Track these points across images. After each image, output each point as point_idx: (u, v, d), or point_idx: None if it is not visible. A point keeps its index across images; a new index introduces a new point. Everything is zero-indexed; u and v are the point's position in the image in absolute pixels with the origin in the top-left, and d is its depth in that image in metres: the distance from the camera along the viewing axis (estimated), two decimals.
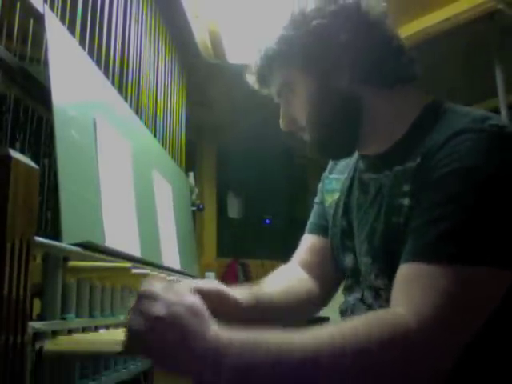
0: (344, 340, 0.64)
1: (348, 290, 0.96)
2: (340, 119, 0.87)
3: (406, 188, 0.79)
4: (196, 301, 0.65)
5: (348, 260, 0.95)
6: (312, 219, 1.09)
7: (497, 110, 2.33)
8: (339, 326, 0.68)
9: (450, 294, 0.67)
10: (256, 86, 0.97)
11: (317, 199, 1.10)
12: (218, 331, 0.63)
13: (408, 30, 2.30)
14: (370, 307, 0.87)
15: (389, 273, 0.78)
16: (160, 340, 0.61)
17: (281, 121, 0.93)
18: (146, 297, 0.65)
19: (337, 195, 1.00)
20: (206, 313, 0.65)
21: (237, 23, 2.47)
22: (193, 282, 0.76)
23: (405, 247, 0.74)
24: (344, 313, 0.95)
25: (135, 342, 0.63)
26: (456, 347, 0.69)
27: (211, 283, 0.79)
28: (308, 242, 1.08)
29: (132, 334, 0.63)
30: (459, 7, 2.25)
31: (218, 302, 0.76)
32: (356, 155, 0.99)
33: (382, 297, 0.84)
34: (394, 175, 0.83)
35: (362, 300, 0.90)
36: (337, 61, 0.84)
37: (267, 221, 4.15)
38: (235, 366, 0.61)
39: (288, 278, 1.02)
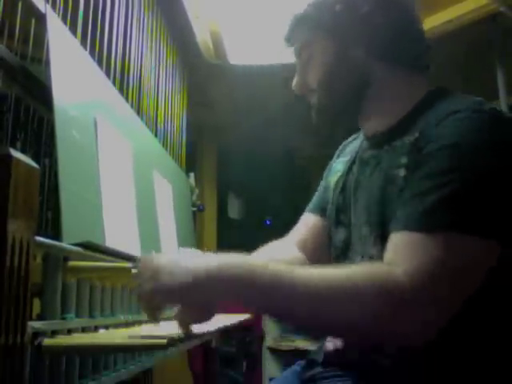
0: (343, 284, 0.70)
1: (338, 260, 0.97)
2: (348, 88, 0.92)
3: (403, 160, 0.82)
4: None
5: (341, 232, 0.98)
6: (313, 199, 1.12)
7: None
8: (336, 271, 0.73)
9: (440, 259, 0.70)
10: (283, 44, 1.01)
11: (321, 183, 1.13)
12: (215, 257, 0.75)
13: None
14: None
15: (383, 240, 0.81)
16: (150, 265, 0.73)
17: (294, 81, 0.99)
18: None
19: (339, 175, 1.04)
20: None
21: (238, 24, 2.48)
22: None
23: (396, 216, 0.78)
24: None
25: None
26: (444, 312, 0.71)
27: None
28: (306, 221, 1.12)
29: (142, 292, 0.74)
30: (462, 9, 2.25)
31: None
32: (361, 138, 1.03)
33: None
34: (393, 149, 0.86)
35: None
36: (358, 32, 0.89)
37: (268, 222, 4.15)
38: (236, 282, 0.72)
39: (279, 253, 1.06)
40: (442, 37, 2.35)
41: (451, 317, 0.71)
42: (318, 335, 0.87)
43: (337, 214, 0.99)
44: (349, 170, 1.00)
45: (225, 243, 3.77)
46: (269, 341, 3.17)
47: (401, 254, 0.73)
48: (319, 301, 0.70)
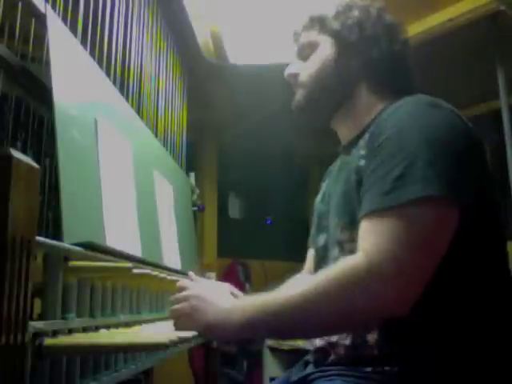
0: (307, 287, 0.80)
1: (320, 262, 1.04)
2: (333, 90, 1.02)
3: (362, 152, 0.90)
4: (216, 285, 0.98)
5: (321, 238, 1.05)
6: (311, 233, 1.18)
7: (498, 112, 2.33)
8: (307, 279, 0.87)
9: (394, 234, 0.77)
10: (290, 38, 1.11)
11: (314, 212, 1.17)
12: (230, 301, 0.89)
13: (410, 31, 2.29)
14: (335, 260, 0.95)
15: (350, 225, 0.91)
16: (188, 307, 0.89)
17: (288, 68, 1.09)
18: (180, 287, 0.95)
19: (323, 189, 1.12)
20: (224, 291, 0.94)
21: (238, 23, 2.48)
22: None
23: (361, 206, 0.85)
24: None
25: (174, 315, 0.90)
26: (412, 279, 0.76)
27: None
28: (309, 255, 1.20)
29: (172, 312, 0.91)
30: (462, 8, 2.25)
31: None
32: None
33: (345, 249, 0.93)
34: (357, 148, 0.95)
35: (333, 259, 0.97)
36: (360, 48, 0.99)
37: (268, 221, 4.15)
38: (240, 318, 0.84)
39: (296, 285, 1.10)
40: (442, 36, 2.35)
41: (423, 284, 0.76)
42: (316, 337, 0.97)
43: (318, 222, 1.08)
44: (329, 181, 1.09)
45: (225, 243, 3.77)
46: (269, 340, 3.17)
47: (364, 239, 0.81)
48: (299, 312, 0.80)
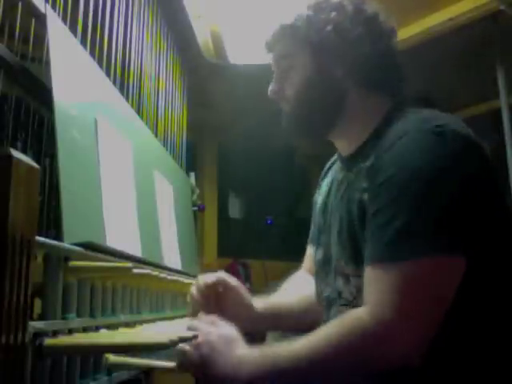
0: (316, 347, 0.78)
1: (317, 277, 1.04)
2: (322, 104, 0.95)
3: (365, 184, 0.86)
4: (228, 331, 0.88)
5: (319, 254, 1.03)
6: (311, 230, 1.17)
7: (498, 112, 2.33)
8: (314, 335, 0.81)
9: (398, 287, 0.75)
10: (263, 48, 1.03)
11: (313, 211, 1.17)
12: (241, 352, 0.84)
13: (411, 30, 2.29)
14: (340, 294, 0.93)
15: (355, 259, 0.87)
16: (200, 360, 0.83)
17: (270, 87, 1.01)
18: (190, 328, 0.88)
19: (322, 198, 1.09)
20: (236, 338, 0.86)
21: (239, 23, 2.47)
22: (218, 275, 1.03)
23: (366, 249, 0.82)
24: (318, 295, 1.04)
25: (184, 364, 0.84)
26: (417, 337, 0.75)
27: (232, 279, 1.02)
28: (308, 252, 1.19)
29: (182, 358, 0.84)
30: (462, 8, 2.24)
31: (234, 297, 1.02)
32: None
33: (350, 282, 0.90)
34: (356, 173, 0.91)
35: (334, 288, 0.95)
36: (342, 55, 0.92)
37: (269, 221, 4.14)
38: (248, 374, 0.80)
39: (299, 287, 1.14)
40: (443, 35, 2.35)
41: (430, 339, 0.75)
42: None
43: (318, 236, 1.05)
44: (329, 191, 1.05)
45: (225, 243, 3.77)
46: (270, 341, 3.17)
47: (368, 290, 0.80)
48: (309, 370, 0.78)
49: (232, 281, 1.03)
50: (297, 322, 1.08)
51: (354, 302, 0.87)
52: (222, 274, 1.03)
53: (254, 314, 1.04)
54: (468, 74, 2.67)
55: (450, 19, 2.28)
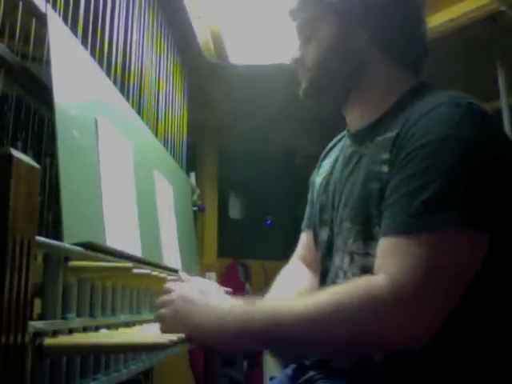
0: (322, 305, 0.73)
1: (324, 258, 0.98)
2: (342, 71, 0.92)
3: (385, 156, 0.81)
4: (203, 282, 0.88)
5: (323, 234, 0.98)
6: (305, 215, 1.13)
7: (499, 112, 2.33)
8: (320, 293, 0.76)
9: (422, 258, 0.70)
10: (287, 17, 1.00)
11: (309, 195, 1.13)
12: (220, 303, 0.80)
13: None
14: (345, 274, 0.89)
15: (365, 236, 0.83)
16: (173, 310, 0.81)
17: (292, 53, 0.98)
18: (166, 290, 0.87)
19: (323, 175, 1.04)
20: (212, 289, 0.85)
21: (239, 23, 2.48)
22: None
23: (383, 219, 0.78)
24: (330, 281, 0.96)
25: (160, 320, 0.83)
26: (436, 311, 0.71)
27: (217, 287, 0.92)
28: (303, 238, 1.14)
29: (158, 316, 0.83)
30: (463, 8, 2.25)
31: None
32: (345, 137, 1.03)
33: (356, 262, 0.86)
34: (375, 145, 0.86)
35: (341, 267, 0.91)
36: (366, 19, 0.89)
37: (268, 221, 4.14)
38: (238, 323, 0.76)
39: (294, 281, 1.08)
40: (443, 36, 2.35)
41: (447, 317, 0.71)
42: (325, 358, 0.89)
43: (320, 214, 1.00)
44: (333, 167, 1.01)
45: (225, 243, 3.77)
46: None
47: (387, 260, 0.74)
48: (311, 326, 0.73)
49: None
50: None
51: None
52: (184, 277, 0.97)
53: None
54: (468, 74, 2.67)
55: (451, 20, 2.28)
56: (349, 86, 0.93)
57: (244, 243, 3.94)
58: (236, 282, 3.55)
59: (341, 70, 0.92)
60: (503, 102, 2.29)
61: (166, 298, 0.84)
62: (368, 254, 0.80)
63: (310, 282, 1.08)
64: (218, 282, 0.95)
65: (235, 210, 4.09)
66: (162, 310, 0.83)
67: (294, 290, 1.04)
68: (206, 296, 0.82)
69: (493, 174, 0.74)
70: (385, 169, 0.81)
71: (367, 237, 0.82)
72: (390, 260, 0.73)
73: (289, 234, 3.97)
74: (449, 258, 0.71)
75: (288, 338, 0.75)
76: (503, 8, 2.14)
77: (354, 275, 0.85)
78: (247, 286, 3.58)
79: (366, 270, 0.79)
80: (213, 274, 3.07)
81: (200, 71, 2.66)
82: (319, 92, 0.96)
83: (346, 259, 0.88)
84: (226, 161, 3.85)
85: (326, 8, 0.92)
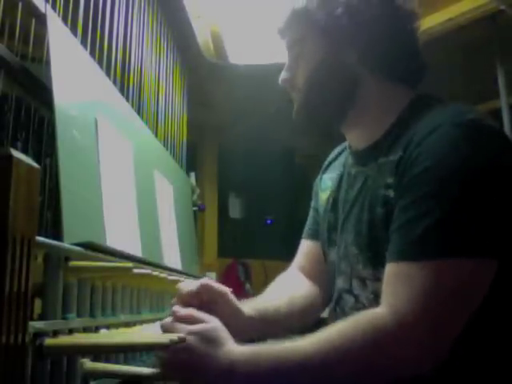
0: (329, 346, 0.71)
1: (333, 279, 0.97)
2: (334, 91, 0.90)
3: (390, 180, 0.81)
4: (209, 326, 0.77)
5: (332, 254, 0.97)
6: (307, 224, 1.12)
7: (498, 112, 2.33)
8: (326, 333, 0.73)
9: (427, 289, 0.70)
10: (276, 34, 0.98)
11: (312, 203, 1.12)
12: (229, 350, 0.74)
13: None
14: (356, 298, 0.88)
15: (374, 262, 0.82)
16: (180, 367, 0.73)
17: (281, 74, 0.96)
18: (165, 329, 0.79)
19: (329, 192, 1.02)
20: (220, 333, 0.76)
21: (238, 23, 2.48)
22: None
23: (389, 245, 0.77)
24: (334, 302, 0.96)
25: (164, 373, 0.74)
26: (441, 341, 0.70)
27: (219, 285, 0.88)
28: (304, 247, 1.12)
29: (161, 367, 0.74)
30: (462, 8, 2.25)
31: (222, 304, 0.87)
32: (347, 152, 1.02)
33: (368, 287, 0.86)
34: (379, 167, 0.85)
35: (349, 291, 0.91)
36: (354, 38, 0.87)
37: (269, 221, 4.14)
38: (244, 375, 0.72)
39: (289, 288, 1.05)
40: (442, 35, 2.35)
41: (452, 343, 0.70)
42: None
43: (329, 234, 0.99)
44: (338, 186, 0.99)
45: (225, 243, 3.77)
46: (270, 341, 3.17)
47: (389, 289, 0.74)
48: (320, 371, 0.71)
49: (217, 286, 0.89)
50: (285, 327, 0.99)
51: (370, 308, 0.80)
52: (206, 281, 0.89)
53: (243, 320, 0.90)
54: (468, 74, 2.67)
55: (450, 19, 2.29)
56: (344, 106, 0.91)
57: (244, 243, 3.94)
58: (236, 281, 3.56)
59: (332, 90, 0.90)
60: (503, 102, 2.29)
61: (169, 350, 0.73)
62: (379, 279, 0.79)
63: (306, 292, 1.06)
64: (219, 282, 0.93)
65: (235, 210, 4.09)
66: (166, 359, 0.74)
67: (287, 298, 1.01)
68: (212, 348, 0.74)
69: (498, 194, 0.73)
70: (390, 193, 0.80)
71: (376, 262, 0.81)
72: (392, 289, 0.74)
73: (289, 233, 3.97)
74: (449, 285, 0.70)
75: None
76: (503, 7, 2.14)
77: (367, 299, 0.85)
78: (247, 286, 3.58)
79: (378, 294, 0.78)
80: (213, 274, 3.07)
81: (200, 71, 2.66)
82: (311, 111, 0.93)
83: (355, 283, 0.88)
84: (225, 160, 3.85)
85: (313, 27, 0.90)
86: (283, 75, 0.96)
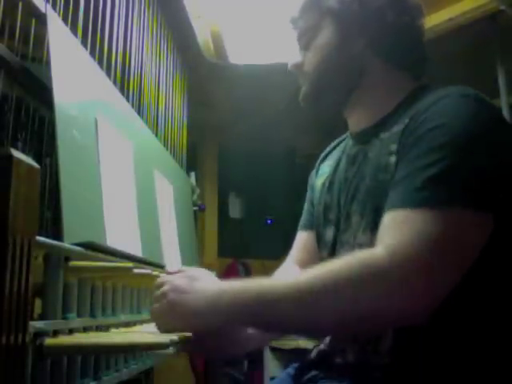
0: (318, 277, 0.72)
1: (330, 258, 0.95)
2: (341, 77, 0.94)
3: (393, 148, 0.82)
4: (193, 271, 0.84)
5: (329, 233, 0.97)
6: (303, 216, 1.12)
7: None
8: (318, 268, 0.74)
9: (425, 233, 0.69)
10: (289, 21, 1.01)
11: (307, 196, 1.13)
12: (216, 280, 0.82)
13: None
14: None
15: (373, 227, 0.82)
16: (167, 302, 0.79)
17: (291, 59, 1.00)
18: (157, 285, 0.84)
19: (325, 177, 1.04)
20: (202, 275, 0.83)
21: (239, 23, 2.48)
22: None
23: (389, 196, 0.77)
24: None
25: (154, 315, 0.81)
26: (436, 283, 0.69)
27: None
28: (300, 239, 1.12)
29: (152, 312, 0.82)
30: (462, 8, 2.25)
31: None
32: (346, 140, 1.03)
33: None
34: (381, 140, 0.87)
35: None
36: (364, 25, 0.91)
37: (269, 221, 4.14)
38: (229, 304, 0.76)
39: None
40: (442, 35, 2.35)
41: (448, 291, 0.69)
42: (316, 336, 0.87)
43: (324, 213, 0.99)
44: (335, 168, 1.00)
45: (226, 243, 3.77)
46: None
47: (387, 233, 0.73)
48: (309, 299, 0.71)
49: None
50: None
51: None
52: (183, 268, 0.91)
53: None
54: (468, 74, 2.67)
55: (450, 19, 2.29)
56: (349, 87, 0.94)
57: (244, 243, 3.94)
58: None
59: (340, 75, 0.94)
60: (503, 102, 2.29)
61: (157, 293, 0.82)
62: (374, 244, 0.78)
63: None
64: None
65: (235, 210, 4.09)
66: (156, 305, 0.81)
67: None
68: (197, 282, 0.81)
69: (499, 157, 0.75)
70: (393, 159, 0.81)
71: (375, 227, 0.79)
72: (391, 232, 0.72)
73: (289, 233, 3.96)
74: (448, 233, 0.69)
75: (277, 310, 0.74)
76: (503, 7, 2.14)
77: None
78: None
79: None
80: (213, 274, 3.07)
81: (200, 71, 2.66)
82: (318, 96, 0.97)
83: (356, 251, 0.87)
84: (226, 160, 3.85)
85: (325, 15, 0.94)
86: (293, 60, 0.99)
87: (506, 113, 2.28)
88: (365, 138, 0.93)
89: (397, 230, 0.72)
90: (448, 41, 2.38)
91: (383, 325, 0.74)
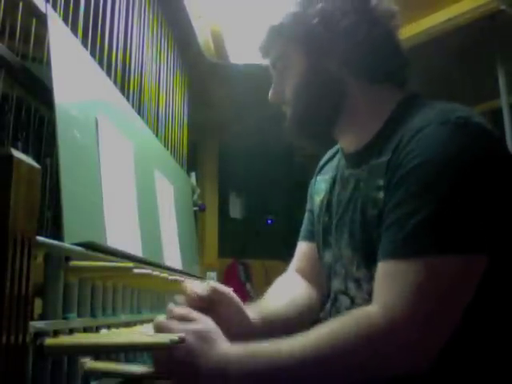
0: (324, 346, 0.71)
1: (329, 281, 0.98)
2: (322, 100, 0.92)
3: (380, 182, 0.81)
4: (204, 326, 0.75)
5: (328, 256, 0.98)
6: (303, 226, 1.13)
7: (498, 112, 2.33)
8: (317, 332, 0.73)
9: (418, 285, 0.70)
10: (258, 54, 1.01)
11: (307, 205, 1.13)
12: (224, 352, 0.72)
13: (410, 31, 2.30)
14: (352, 299, 0.89)
15: (368, 263, 0.82)
16: (176, 366, 0.71)
17: (270, 91, 0.98)
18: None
19: (323, 194, 1.03)
20: (214, 333, 0.75)
21: (239, 23, 2.48)
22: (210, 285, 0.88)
23: (380, 244, 0.77)
24: (330, 303, 0.97)
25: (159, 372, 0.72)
26: (432, 338, 0.70)
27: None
28: (301, 249, 1.13)
29: (156, 366, 0.73)
30: (461, 8, 2.25)
31: (228, 308, 0.88)
32: (339, 155, 1.03)
33: (363, 288, 0.86)
34: (369, 169, 0.86)
35: (345, 293, 0.91)
36: (333, 46, 0.88)
37: (269, 221, 4.15)
38: (238, 376, 0.71)
39: (288, 291, 1.06)
40: (442, 36, 2.35)
41: (446, 338, 0.70)
42: None
43: (324, 236, 1.00)
44: (331, 188, 1.00)
45: (226, 243, 3.77)
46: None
47: (380, 287, 0.74)
48: (312, 369, 0.71)
49: (222, 288, 0.89)
50: (286, 331, 0.99)
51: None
52: (214, 284, 0.89)
53: (247, 323, 0.90)
54: (468, 73, 2.67)
55: (450, 19, 2.29)
56: (333, 110, 0.92)
57: (244, 243, 3.94)
58: (237, 281, 3.56)
59: (320, 98, 0.92)
60: (503, 102, 2.29)
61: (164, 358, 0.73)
62: (373, 279, 0.79)
63: (305, 295, 1.07)
64: (219, 282, 0.92)
65: (236, 210, 4.09)
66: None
67: (287, 302, 1.02)
68: (210, 343, 0.74)
69: (485, 190, 0.73)
70: (381, 195, 0.81)
71: (370, 263, 0.81)
72: (383, 287, 0.74)
73: (289, 233, 3.97)
74: (439, 282, 0.70)
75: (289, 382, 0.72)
76: (503, 7, 2.14)
77: (363, 300, 0.85)
78: (248, 286, 3.58)
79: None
80: (213, 274, 3.07)
81: (200, 70, 2.66)
82: (303, 121, 0.95)
83: (351, 285, 0.89)
84: (226, 160, 3.85)
85: (291, 41, 0.92)
86: (271, 93, 0.98)
87: (506, 113, 2.28)
88: (356, 161, 0.92)
89: (389, 284, 0.73)
90: (447, 41, 2.38)
91: (392, 377, 0.73)
